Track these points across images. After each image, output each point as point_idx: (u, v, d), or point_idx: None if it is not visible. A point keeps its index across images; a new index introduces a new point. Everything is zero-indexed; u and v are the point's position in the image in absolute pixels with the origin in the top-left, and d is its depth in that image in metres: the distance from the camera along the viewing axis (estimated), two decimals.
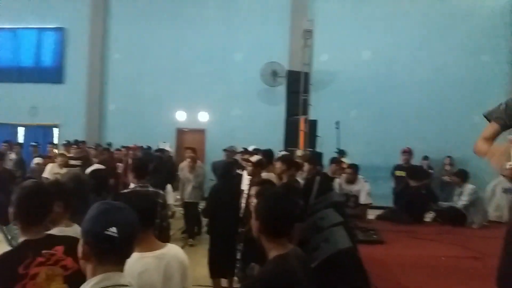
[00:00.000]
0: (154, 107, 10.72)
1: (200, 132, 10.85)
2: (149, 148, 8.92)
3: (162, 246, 1.95)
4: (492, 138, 2.09)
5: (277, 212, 1.90)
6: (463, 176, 6.61)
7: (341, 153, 6.27)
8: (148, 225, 1.92)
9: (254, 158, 5.12)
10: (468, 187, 6.32)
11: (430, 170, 8.26)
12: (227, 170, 5.23)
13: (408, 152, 7.21)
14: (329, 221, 3.92)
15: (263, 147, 6.68)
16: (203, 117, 10.71)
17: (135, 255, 1.78)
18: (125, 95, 11.03)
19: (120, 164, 7.29)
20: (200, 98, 10.52)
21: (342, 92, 9.57)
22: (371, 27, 9.61)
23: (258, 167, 4.96)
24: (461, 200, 6.27)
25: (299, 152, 6.67)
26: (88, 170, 4.49)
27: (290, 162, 5.09)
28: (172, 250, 1.99)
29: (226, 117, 10.38)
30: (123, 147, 8.38)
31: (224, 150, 8.17)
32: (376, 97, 9.46)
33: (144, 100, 10.83)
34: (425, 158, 8.27)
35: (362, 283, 3.15)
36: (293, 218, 2.04)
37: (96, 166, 5.51)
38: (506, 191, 6.50)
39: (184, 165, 6.98)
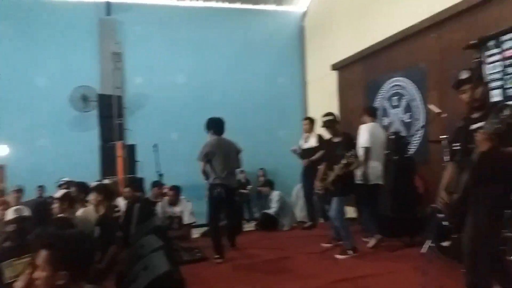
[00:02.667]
0: None
1: None
2: None
3: None
4: None
5: (70, 255, 1.84)
6: (270, 185, 7.38)
7: (160, 176, 6.24)
8: None
9: (59, 193, 4.62)
10: (275, 194, 7.06)
11: (248, 185, 8.86)
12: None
13: None
14: (149, 247, 3.81)
15: (78, 179, 6.13)
16: (2, 151, 9.22)
17: None
18: None
19: None
20: None
21: (161, 115, 9.57)
22: (182, 52, 9.94)
23: (65, 202, 4.50)
24: (272, 207, 6.96)
25: (106, 181, 6.34)
26: None
27: (105, 192, 4.80)
28: None
29: (31, 149, 9.13)
30: None
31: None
32: (195, 119, 9.67)
33: None
34: (241, 172, 8.89)
35: None
36: (90, 259, 2.02)
37: None
38: None
39: None
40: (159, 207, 6.20)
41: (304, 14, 10.68)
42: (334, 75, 9.05)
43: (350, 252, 4.82)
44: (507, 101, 5.14)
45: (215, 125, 5.99)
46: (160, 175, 6.29)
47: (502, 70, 5.25)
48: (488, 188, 2.68)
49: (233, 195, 5.71)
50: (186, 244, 5.81)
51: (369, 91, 7.92)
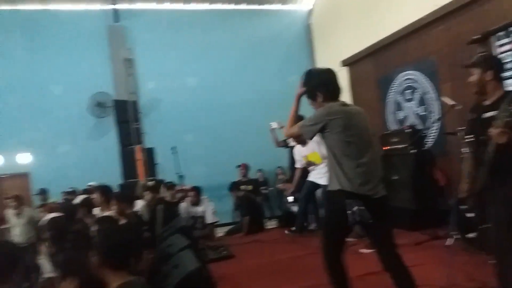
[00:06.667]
0: None
1: (22, 177, 9.50)
2: None
3: None
4: None
5: (115, 244, 1.99)
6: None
7: (180, 178, 6.37)
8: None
9: (79, 199, 4.77)
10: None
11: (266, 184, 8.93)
12: None
13: (243, 167, 7.72)
14: (176, 246, 3.93)
15: (102, 182, 6.30)
16: (24, 158, 9.45)
17: None
18: None
19: None
20: (17, 138, 9.24)
21: (175, 118, 9.70)
22: (192, 55, 10.07)
23: (84, 207, 4.67)
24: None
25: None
26: None
27: (127, 199, 4.89)
28: None
29: (53, 156, 9.36)
30: None
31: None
32: (209, 120, 9.90)
33: None
34: (259, 170, 8.98)
35: None
36: (131, 249, 2.14)
37: None
38: None
39: None
40: (182, 208, 6.33)
41: (310, 12, 10.74)
42: (345, 72, 9.11)
43: None
44: None
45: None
46: (181, 176, 6.42)
47: None
48: (507, 180, 2.68)
49: None
50: (211, 243, 5.93)
51: (381, 85, 7.98)
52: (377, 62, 8.08)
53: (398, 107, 7.49)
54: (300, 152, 5.68)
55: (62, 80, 9.63)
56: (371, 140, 2.85)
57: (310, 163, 5.54)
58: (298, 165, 5.81)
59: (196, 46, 10.13)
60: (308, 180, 5.64)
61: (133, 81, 8.38)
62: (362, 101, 8.49)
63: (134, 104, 7.71)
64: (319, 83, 2.94)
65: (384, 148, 6.33)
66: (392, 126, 7.60)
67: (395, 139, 6.09)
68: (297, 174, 5.86)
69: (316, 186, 5.56)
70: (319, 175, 5.36)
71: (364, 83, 8.51)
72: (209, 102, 9.85)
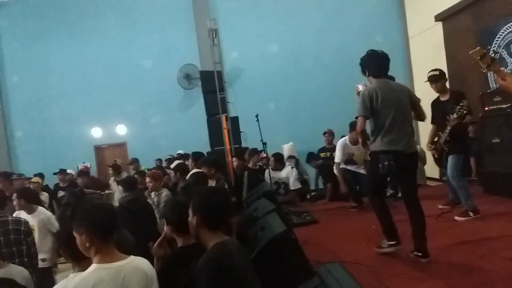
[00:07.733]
0: (66, 127, 10.10)
1: (120, 146, 10.43)
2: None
3: (122, 258, 1.90)
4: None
5: (212, 205, 2.09)
6: None
7: (264, 145, 6.44)
8: (107, 236, 1.89)
9: (173, 164, 5.04)
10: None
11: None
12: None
13: (328, 134, 7.51)
14: (262, 210, 3.99)
15: (190, 151, 6.66)
16: (121, 130, 10.31)
17: (92, 266, 1.83)
18: (32, 119, 10.27)
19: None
20: (115, 111, 10.12)
21: (257, 87, 9.79)
22: (272, 21, 9.92)
23: (179, 172, 4.92)
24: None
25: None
26: None
27: (213, 164, 5.07)
28: (134, 262, 1.93)
29: (146, 126, 10.10)
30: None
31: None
32: (289, 87, 9.82)
33: (54, 122, 10.17)
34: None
35: (300, 264, 3.27)
36: (227, 210, 2.23)
37: None
38: None
39: None
40: (266, 174, 6.42)
41: None
42: (439, 27, 8.34)
43: (471, 213, 4.52)
44: None
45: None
46: (264, 143, 6.48)
47: None
48: None
49: None
50: (295, 209, 5.97)
51: (481, 40, 7.16)
52: (477, 14, 7.25)
53: (502, 62, 6.69)
54: (348, 148, 5.98)
55: (152, 55, 10.20)
56: (403, 108, 3.53)
57: (352, 161, 5.99)
58: (337, 160, 6.02)
59: (277, 11, 9.98)
60: (348, 170, 5.99)
61: (217, 51, 8.54)
62: (458, 58, 7.75)
63: (219, 74, 7.86)
64: (368, 64, 3.75)
65: (485, 108, 5.72)
66: (494, 84, 6.84)
67: (497, 98, 5.46)
68: (341, 175, 5.98)
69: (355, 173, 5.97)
70: (357, 168, 5.96)
71: (461, 38, 7.72)
72: (291, 69, 9.74)
